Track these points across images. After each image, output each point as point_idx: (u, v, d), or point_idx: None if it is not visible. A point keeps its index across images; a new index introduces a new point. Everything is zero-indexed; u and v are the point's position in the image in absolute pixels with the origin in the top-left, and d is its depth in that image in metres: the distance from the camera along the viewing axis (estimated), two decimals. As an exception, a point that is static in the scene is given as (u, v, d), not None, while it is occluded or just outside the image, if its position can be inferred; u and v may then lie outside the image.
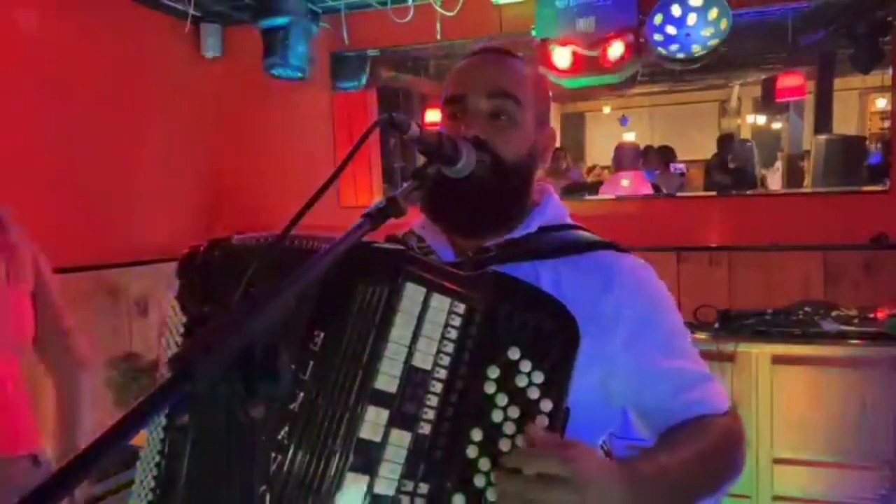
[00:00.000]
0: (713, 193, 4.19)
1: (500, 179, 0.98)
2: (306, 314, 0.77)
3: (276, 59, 3.27)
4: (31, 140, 2.89)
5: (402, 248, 0.86)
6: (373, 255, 0.80)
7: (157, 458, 0.85)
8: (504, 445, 0.75)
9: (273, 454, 0.75)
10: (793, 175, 6.26)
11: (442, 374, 0.77)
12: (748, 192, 4.12)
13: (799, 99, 5.76)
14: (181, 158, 3.77)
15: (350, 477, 0.74)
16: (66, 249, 3.00)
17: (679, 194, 4.65)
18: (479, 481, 0.75)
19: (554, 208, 1.07)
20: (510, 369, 0.77)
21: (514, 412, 0.76)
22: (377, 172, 4.23)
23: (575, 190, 4.90)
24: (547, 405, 0.76)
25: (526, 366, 0.77)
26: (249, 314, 0.57)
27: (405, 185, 0.83)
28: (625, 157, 4.43)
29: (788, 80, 5.45)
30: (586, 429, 0.81)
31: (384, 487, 0.74)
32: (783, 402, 2.62)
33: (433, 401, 0.76)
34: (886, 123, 4.06)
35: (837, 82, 6.01)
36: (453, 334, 0.77)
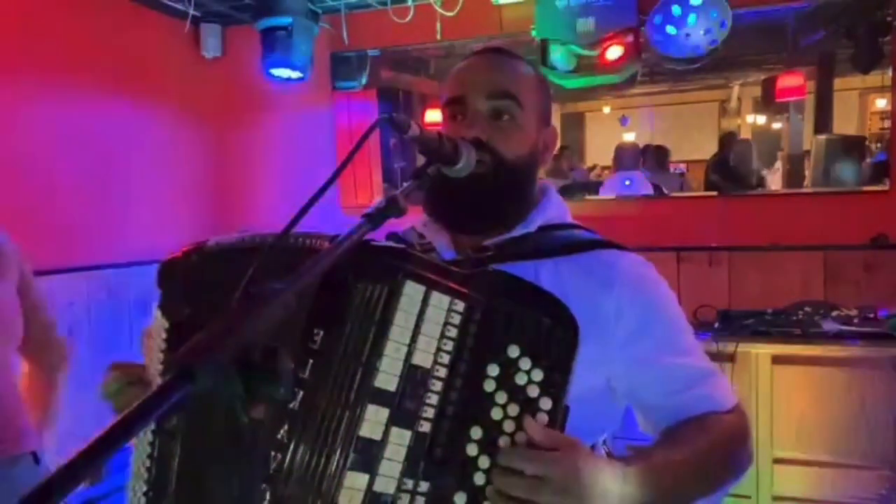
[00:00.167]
0: (713, 193, 4.19)
1: (500, 179, 0.98)
2: (305, 313, 0.77)
3: (278, 59, 3.27)
4: (30, 140, 2.89)
5: (401, 246, 0.86)
6: (372, 254, 0.80)
7: (148, 463, 0.85)
8: (504, 443, 0.75)
9: (273, 453, 0.75)
10: (793, 175, 6.26)
11: (442, 372, 0.77)
12: (748, 192, 4.11)
13: (799, 99, 5.76)
14: (181, 158, 3.77)
15: (350, 475, 0.74)
16: (66, 249, 3.01)
17: (679, 194, 4.65)
18: (478, 479, 0.75)
19: (555, 207, 1.07)
20: (510, 367, 0.77)
21: (513, 410, 0.76)
22: (377, 172, 4.23)
23: (575, 190, 4.89)
24: (546, 403, 0.76)
25: (526, 364, 0.77)
26: (249, 314, 0.57)
27: (405, 184, 0.83)
28: (625, 157, 4.43)
29: (788, 80, 5.45)
30: (587, 427, 0.81)
31: (384, 486, 0.74)
32: (783, 402, 2.62)
33: (433, 399, 0.76)
34: (886, 123, 4.06)
35: (837, 82, 6.00)
36: (453, 332, 0.77)
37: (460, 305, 0.78)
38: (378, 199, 0.79)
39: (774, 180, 6.62)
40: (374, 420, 0.75)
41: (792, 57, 5.44)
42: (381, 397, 0.76)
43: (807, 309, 2.82)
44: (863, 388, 2.55)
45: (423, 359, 0.77)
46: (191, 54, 3.82)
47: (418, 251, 0.94)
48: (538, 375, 0.76)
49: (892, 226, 3.00)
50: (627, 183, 4.16)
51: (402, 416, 0.76)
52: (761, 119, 8.48)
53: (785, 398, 2.62)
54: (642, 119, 8.98)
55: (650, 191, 4.15)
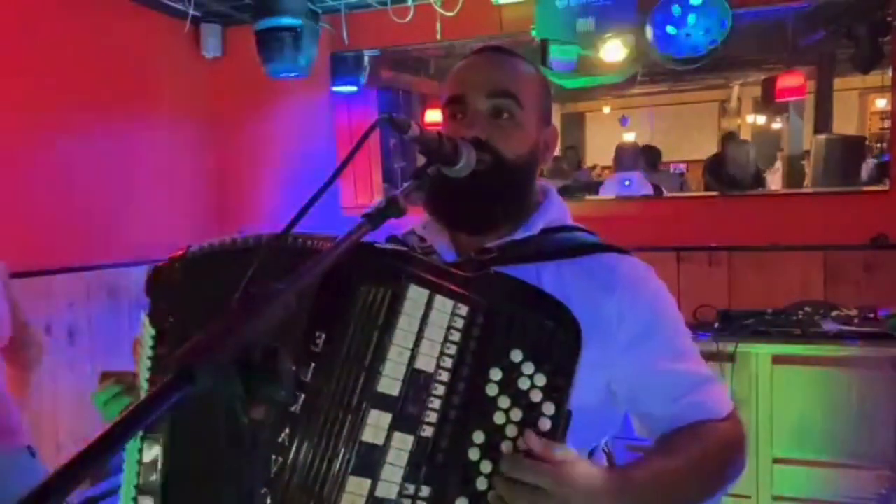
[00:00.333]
0: (713, 193, 4.19)
1: (501, 178, 0.97)
2: (307, 315, 0.76)
3: (283, 59, 3.26)
4: (30, 140, 2.89)
5: (404, 249, 0.86)
6: (375, 257, 0.80)
7: (137, 468, 0.85)
8: (506, 448, 0.75)
9: (274, 456, 0.75)
10: (793, 175, 6.26)
11: (444, 376, 0.77)
12: (748, 192, 4.11)
13: (799, 99, 5.77)
14: (181, 158, 3.77)
15: (352, 480, 0.74)
16: (67, 249, 3.01)
17: (679, 194, 4.65)
18: (480, 484, 0.75)
19: (556, 209, 1.07)
20: (513, 372, 0.77)
21: (516, 415, 0.76)
22: (377, 172, 4.23)
23: (575, 190, 4.89)
24: (549, 408, 0.76)
25: (528, 368, 0.76)
26: (249, 314, 0.57)
27: (405, 185, 0.83)
28: (625, 158, 4.43)
29: (788, 80, 5.45)
30: (588, 431, 0.82)
31: (386, 491, 0.74)
32: (783, 402, 2.62)
33: (435, 403, 0.76)
34: (886, 123, 4.06)
35: (837, 82, 6.01)
36: (456, 336, 0.77)
37: (464, 309, 0.78)
38: (378, 199, 0.79)
39: (774, 180, 6.62)
40: (376, 425, 0.75)
41: (792, 57, 5.44)
42: (383, 402, 0.75)
43: (807, 309, 2.82)
44: (863, 388, 2.55)
45: (425, 363, 0.76)
46: (191, 54, 3.81)
47: (420, 254, 0.94)
48: (541, 380, 0.76)
49: (892, 226, 2.99)
50: (627, 183, 4.16)
51: (404, 420, 0.75)
52: (761, 119, 8.48)
53: (785, 398, 2.62)
54: (642, 119, 8.99)
55: (650, 191, 4.15)
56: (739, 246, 3.21)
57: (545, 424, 0.76)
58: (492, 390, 0.76)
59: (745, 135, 8.97)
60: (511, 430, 0.76)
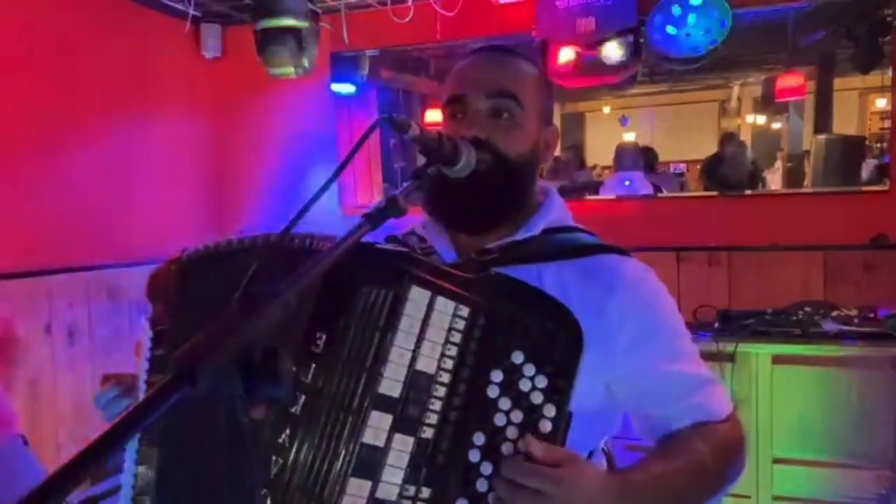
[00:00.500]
0: (713, 193, 4.19)
1: (501, 178, 0.97)
2: (308, 315, 0.76)
3: (282, 59, 3.25)
4: (30, 140, 2.88)
5: (405, 250, 0.86)
6: (377, 257, 0.80)
7: (135, 468, 0.85)
8: (507, 449, 0.75)
9: (274, 457, 0.75)
10: (793, 175, 6.26)
11: (445, 378, 0.76)
12: (748, 192, 4.12)
13: (799, 99, 5.77)
14: (181, 158, 3.77)
15: (353, 482, 0.74)
16: (66, 249, 3.01)
17: (679, 194, 4.65)
18: (481, 485, 0.75)
19: (557, 209, 1.06)
20: (513, 373, 0.76)
21: (517, 416, 0.76)
22: (377, 172, 4.23)
23: (572, 190, 4.89)
24: (550, 410, 0.76)
25: (529, 370, 0.76)
26: (249, 314, 0.57)
27: (405, 185, 0.83)
28: (625, 158, 4.43)
29: (788, 80, 5.45)
30: (588, 432, 0.82)
31: (386, 492, 0.74)
32: (783, 402, 2.62)
33: (436, 405, 0.76)
34: (886, 123, 4.06)
35: (837, 82, 6.01)
36: (457, 338, 0.77)
37: (465, 311, 0.77)
38: (378, 199, 0.79)
39: (774, 180, 6.62)
40: (377, 426, 0.75)
41: (792, 57, 5.45)
42: (384, 403, 0.75)
43: (807, 309, 2.82)
44: (863, 388, 2.55)
45: (426, 364, 0.76)
46: (191, 54, 3.81)
47: (420, 255, 0.94)
48: (542, 382, 0.76)
49: (892, 226, 2.99)
50: (627, 183, 4.16)
51: (405, 422, 0.75)
52: (761, 119, 8.48)
53: (785, 398, 2.62)
54: (642, 119, 8.99)
55: (650, 191, 4.15)
56: (739, 246, 3.21)
57: (546, 426, 0.76)
58: (493, 392, 0.76)
59: (745, 135, 8.97)
60: (512, 432, 0.76)
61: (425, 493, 0.75)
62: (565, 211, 1.08)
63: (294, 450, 0.75)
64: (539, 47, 3.32)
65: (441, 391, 0.76)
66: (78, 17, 3.12)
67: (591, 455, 0.98)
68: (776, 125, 8.17)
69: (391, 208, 0.75)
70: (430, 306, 0.77)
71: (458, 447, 0.75)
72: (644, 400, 0.97)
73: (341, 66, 3.76)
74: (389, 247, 0.85)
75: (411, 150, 4.67)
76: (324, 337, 0.76)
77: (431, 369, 0.76)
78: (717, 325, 2.79)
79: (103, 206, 3.22)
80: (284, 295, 0.60)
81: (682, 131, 8.59)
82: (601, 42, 3.18)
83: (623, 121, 9.06)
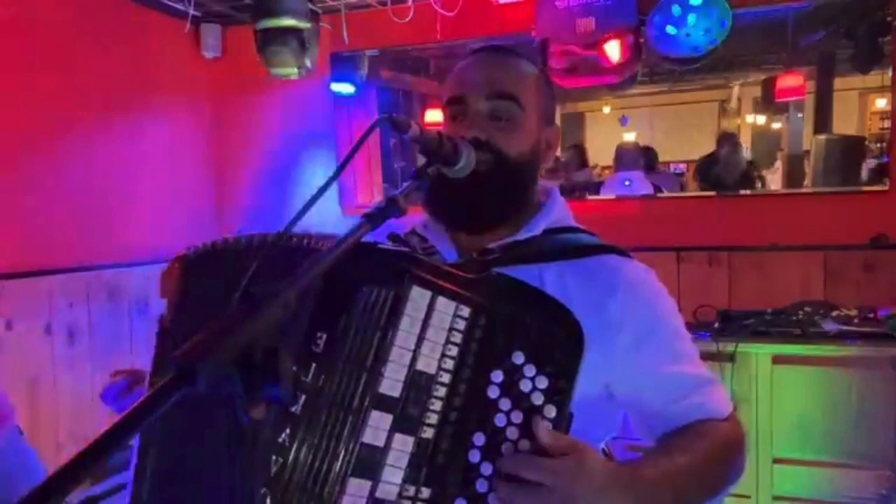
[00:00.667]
0: (714, 193, 4.19)
1: (501, 178, 0.97)
2: (308, 315, 0.76)
3: (282, 59, 3.25)
4: (29, 140, 2.89)
5: (407, 250, 0.86)
6: (378, 257, 0.80)
7: (137, 464, 0.85)
8: (507, 450, 0.75)
9: (274, 457, 0.75)
10: (793, 175, 6.26)
11: (445, 378, 0.76)
12: (748, 192, 4.12)
13: (799, 99, 5.76)
14: (181, 158, 3.77)
15: (352, 481, 0.74)
16: (67, 249, 3.01)
17: (679, 194, 4.65)
18: (480, 486, 0.75)
19: (559, 209, 1.06)
20: (514, 373, 0.76)
21: (517, 417, 0.76)
22: (377, 172, 4.23)
23: (569, 190, 4.89)
24: (551, 411, 0.76)
25: (530, 370, 0.76)
26: (249, 315, 0.57)
27: (405, 184, 0.83)
28: (626, 157, 4.43)
29: (788, 80, 5.44)
30: (589, 433, 0.81)
31: (386, 492, 0.74)
32: (783, 402, 2.62)
33: (436, 405, 0.76)
34: (886, 123, 4.06)
35: (837, 82, 6.01)
36: (457, 338, 0.77)
37: (465, 311, 0.77)
38: (378, 199, 0.79)
39: (774, 180, 6.62)
40: (377, 426, 0.75)
41: (792, 57, 5.44)
42: (384, 403, 0.75)
43: (807, 309, 2.82)
44: (863, 388, 2.55)
45: (427, 364, 0.76)
46: (191, 54, 3.81)
47: (422, 255, 0.94)
48: (543, 382, 0.76)
49: (892, 226, 2.99)
50: (627, 183, 4.16)
51: (405, 422, 0.75)
52: (761, 119, 8.48)
53: (785, 398, 2.62)
54: (642, 119, 8.99)
55: (650, 191, 4.15)
56: (739, 246, 3.21)
57: (546, 427, 0.75)
58: (493, 392, 0.76)
59: (745, 135, 8.96)
60: (512, 433, 0.75)
61: (425, 493, 0.74)
62: (567, 211, 1.08)
63: (294, 449, 0.74)
64: (539, 47, 3.32)
65: (441, 391, 0.76)
66: (78, 18, 3.12)
67: None
68: (776, 125, 8.17)
69: (391, 208, 0.75)
70: (431, 306, 0.77)
71: (459, 447, 0.75)
72: (644, 400, 0.97)
73: (341, 66, 3.76)
74: (390, 246, 0.85)
75: (411, 150, 4.67)
76: (324, 336, 0.76)
77: (432, 369, 0.76)
78: (717, 325, 2.79)
79: (103, 206, 3.22)
80: (284, 295, 0.60)
81: (682, 131, 8.59)
82: (601, 42, 3.18)
83: (623, 121, 9.06)
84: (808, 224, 3.14)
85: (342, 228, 0.73)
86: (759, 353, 2.63)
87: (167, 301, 0.91)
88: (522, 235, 1.01)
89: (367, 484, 0.74)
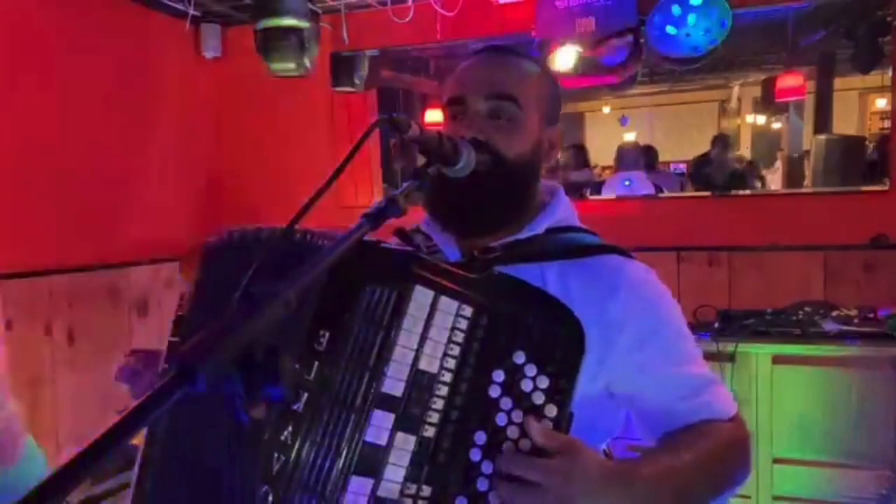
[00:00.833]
0: (713, 193, 4.19)
1: (501, 178, 0.97)
2: (311, 313, 0.76)
3: (282, 59, 3.25)
4: (30, 140, 2.89)
5: (410, 249, 0.86)
6: (381, 256, 0.80)
7: (137, 471, 0.85)
8: (507, 449, 0.75)
9: (276, 455, 0.75)
10: (793, 175, 6.27)
11: (447, 377, 0.77)
12: (748, 192, 4.12)
13: (799, 99, 5.77)
14: (181, 158, 3.77)
15: (354, 480, 0.74)
16: (67, 249, 3.01)
17: (679, 194, 4.65)
18: (481, 484, 0.75)
19: (563, 209, 1.06)
20: (516, 373, 0.77)
21: (518, 416, 0.76)
22: (377, 172, 4.23)
23: (570, 189, 4.89)
24: (552, 410, 0.76)
25: (531, 370, 0.77)
26: (249, 313, 0.57)
27: (405, 184, 0.83)
28: (626, 157, 4.43)
29: (788, 80, 5.45)
30: (590, 433, 0.81)
31: (388, 490, 0.74)
32: (783, 402, 2.62)
33: (438, 404, 0.76)
34: (886, 123, 4.07)
35: (837, 82, 6.02)
36: (460, 337, 0.77)
37: (468, 310, 0.78)
38: (378, 199, 0.79)
39: (774, 180, 6.63)
40: (380, 425, 0.75)
41: (792, 57, 5.45)
42: (387, 402, 0.75)
43: (807, 309, 2.82)
44: (863, 388, 2.55)
45: (429, 364, 0.76)
46: (191, 54, 3.81)
47: (425, 253, 0.94)
48: (544, 382, 0.76)
49: (892, 226, 2.99)
50: (627, 183, 4.17)
51: (407, 421, 0.75)
52: (761, 119, 8.48)
53: (785, 398, 2.62)
54: (642, 119, 9.00)
55: (651, 190, 4.15)
56: (739, 246, 3.21)
57: (547, 426, 0.76)
58: (494, 391, 0.77)
59: (745, 135, 8.96)
60: (513, 432, 0.76)
61: (426, 491, 0.75)
62: (571, 211, 1.08)
63: (296, 447, 0.75)
64: (539, 47, 3.32)
65: (443, 390, 0.76)
66: (77, 18, 3.12)
67: None
68: (776, 125, 8.18)
69: (391, 208, 0.75)
70: (434, 306, 0.77)
71: (460, 446, 0.76)
72: (647, 400, 0.96)
73: (341, 66, 3.76)
74: (393, 246, 0.86)
75: (411, 150, 4.67)
76: (327, 335, 0.76)
77: (434, 368, 0.76)
78: (717, 325, 2.79)
79: (103, 206, 3.22)
80: (285, 294, 0.60)
81: (682, 131, 8.60)
82: (601, 42, 3.18)
83: (623, 121, 9.07)
84: (808, 224, 3.14)
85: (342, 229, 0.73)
86: (759, 353, 2.64)
87: (189, 286, 0.90)
88: (524, 234, 1.01)
89: (370, 482, 0.74)
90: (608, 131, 8.80)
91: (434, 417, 0.76)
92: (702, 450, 0.89)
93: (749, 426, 1.00)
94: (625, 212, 3.60)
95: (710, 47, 3.01)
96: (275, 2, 3.18)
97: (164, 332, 0.92)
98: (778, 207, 3.40)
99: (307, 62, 3.32)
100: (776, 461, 2.62)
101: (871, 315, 2.70)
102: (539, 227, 1.02)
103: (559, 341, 0.77)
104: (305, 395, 0.75)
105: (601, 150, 7.30)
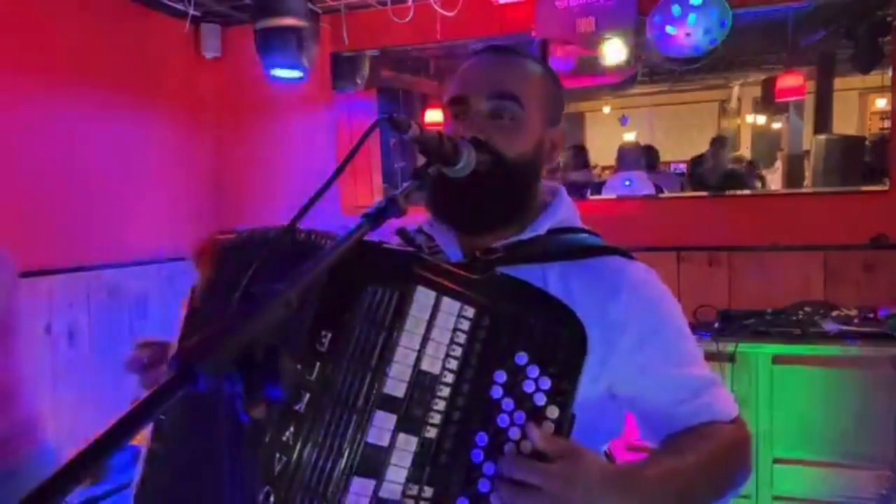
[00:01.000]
0: (713, 193, 4.20)
1: (501, 178, 0.97)
2: (312, 313, 0.76)
3: (283, 59, 3.25)
4: (30, 139, 2.89)
5: (412, 249, 0.86)
6: (383, 257, 0.80)
7: (143, 467, 0.85)
8: (509, 450, 0.75)
9: (278, 455, 0.75)
10: (793, 175, 6.27)
11: (449, 378, 0.77)
12: (748, 192, 4.12)
13: (799, 99, 5.77)
14: (181, 158, 3.77)
15: (356, 481, 0.74)
16: (67, 249, 3.01)
17: (679, 194, 4.65)
18: (483, 486, 0.75)
19: (565, 210, 1.06)
20: (518, 374, 0.77)
21: (520, 417, 0.76)
22: (377, 172, 4.23)
23: (576, 189, 4.89)
24: (553, 412, 0.76)
25: (533, 371, 0.77)
26: (250, 314, 0.57)
27: (405, 184, 0.82)
28: (627, 157, 4.43)
29: (788, 80, 5.45)
30: (592, 435, 0.81)
31: (389, 491, 0.74)
32: (783, 403, 2.62)
33: (440, 405, 0.76)
34: (886, 123, 4.07)
35: (837, 82, 6.02)
36: (462, 338, 0.77)
37: (470, 311, 0.78)
38: (378, 199, 0.79)
39: (774, 180, 6.63)
40: (381, 426, 0.75)
41: (792, 57, 5.45)
42: (389, 403, 0.75)
43: (807, 309, 2.82)
44: (863, 388, 2.55)
45: (431, 364, 0.76)
46: (191, 54, 3.81)
47: (427, 253, 0.94)
48: (546, 383, 0.76)
49: (892, 226, 2.99)
50: (628, 183, 4.17)
51: (409, 421, 0.75)
52: (761, 119, 8.48)
53: (785, 398, 2.62)
54: (642, 119, 9.00)
55: (651, 190, 4.15)
56: (739, 246, 3.21)
57: (549, 428, 0.75)
58: (496, 393, 0.76)
59: (745, 135, 8.96)
60: (514, 433, 0.76)
61: (428, 492, 0.75)
62: (573, 211, 1.07)
63: (298, 448, 0.75)
64: (539, 47, 3.32)
65: (445, 391, 0.76)
66: (78, 18, 3.12)
67: None
68: (776, 125, 8.18)
69: (391, 208, 0.75)
70: (436, 307, 0.77)
71: (461, 447, 0.75)
72: (649, 401, 0.96)
73: (341, 66, 3.76)
74: (395, 246, 0.86)
75: (411, 150, 4.67)
76: (329, 335, 0.76)
77: (436, 369, 0.76)
78: (717, 325, 2.79)
79: (103, 206, 3.22)
80: (285, 294, 0.60)
81: (682, 131, 8.60)
82: (601, 42, 3.18)
83: (623, 121, 9.07)
84: (808, 224, 3.14)
85: (342, 228, 0.73)
86: (759, 354, 2.64)
87: (201, 279, 0.90)
88: (526, 235, 1.01)
89: (371, 483, 0.74)
90: (608, 131, 8.80)
91: (436, 418, 0.76)
92: (703, 452, 0.89)
93: (749, 426, 1.00)
94: (625, 212, 3.60)
95: (710, 47, 3.01)
96: (275, 2, 3.18)
97: (164, 332, 0.92)
98: (778, 207, 3.40)
99: (306, 63, 3.32)
100: (776, 461, 2.62)
101: (872, 315, 2.70)
102: (541, 227, 1.02)
103: (561, 342, 0.77)
104: (307, 395, 0.75)
105: (601, 150, 7.30)
